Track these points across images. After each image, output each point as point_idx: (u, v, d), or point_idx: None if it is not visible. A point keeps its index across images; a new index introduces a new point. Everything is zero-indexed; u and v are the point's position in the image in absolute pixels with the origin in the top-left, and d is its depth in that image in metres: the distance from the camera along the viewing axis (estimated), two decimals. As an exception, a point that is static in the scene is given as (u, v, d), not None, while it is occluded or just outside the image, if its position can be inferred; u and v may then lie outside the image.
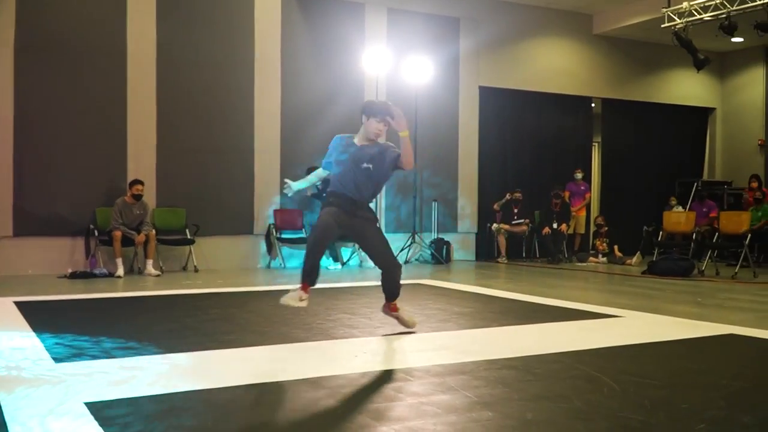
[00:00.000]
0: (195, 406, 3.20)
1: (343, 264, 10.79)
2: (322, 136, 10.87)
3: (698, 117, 15.08)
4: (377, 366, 3.98)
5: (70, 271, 9.00)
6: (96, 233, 9.39)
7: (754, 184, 11.89)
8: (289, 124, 10.77)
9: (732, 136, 14.89)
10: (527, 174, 13.18)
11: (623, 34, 13.53)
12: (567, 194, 12.73)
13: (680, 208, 12.68)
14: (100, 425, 2.87)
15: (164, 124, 9.99)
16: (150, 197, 9.80)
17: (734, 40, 12.75)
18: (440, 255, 11.33)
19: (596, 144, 14.78)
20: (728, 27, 10.73)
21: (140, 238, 9.28)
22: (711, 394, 3.43)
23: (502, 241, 12.02)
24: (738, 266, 9.86)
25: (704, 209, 12.15)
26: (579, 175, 12.99)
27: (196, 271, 9.81)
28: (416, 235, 11.34)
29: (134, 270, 9.60)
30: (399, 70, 11.32)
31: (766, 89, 14.15)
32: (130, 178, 9.58)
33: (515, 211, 12.21)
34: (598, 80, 13.71)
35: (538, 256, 12.55)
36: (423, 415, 3.08)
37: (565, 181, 13.00)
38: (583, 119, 13.88)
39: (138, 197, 9.40)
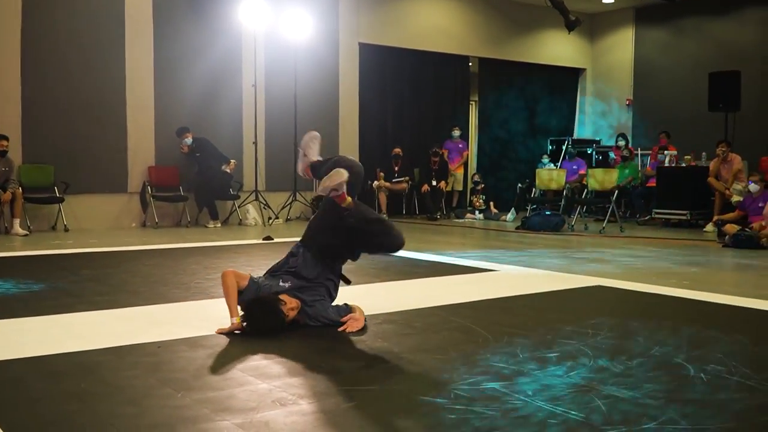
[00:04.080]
0: (67, 369, 3.09)
1: (222, 222, 10.61)
2: (198, 90, 10.65)
3: (569, 77, 15.59)
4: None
5: (-71, 231, 8.48)
6: (-43, 191, 8.88)
7: (621, 142, 12.43)
8: (162, 78, 10.41)
9: (601, 95, 15.48)
10: (407, 132, 13.32)
11: (500, -6, 13.76)
12: (445, 152, 12.93)
13: (552, 166, 13.13)
14: (-37, 392, 2.74)
15: (30, 76, 9.45)
16: (15, 153, 9.29)
17: (605, 1, 13.23)
18: (321, 212, 11.29)
19: (473, 102, 15.06)
20: (599, -12, 11.07)
21: (5, 196, 8.81)
22: (578, 343, 3.59)
23: (382, 198, 12.12)
24: (605, 221, 10.32)
25: (574, 166, 12.64)
26: (457, 133, 13.21)
27: (67, 230, 9.43)
28: (297, 193, 11.27)
29: (0, 229, 9.13)
30: (277, 24, 11.11)
31: (634, 50, 14.74)
32: (-7, 133, 9.06)
33: (395, 168, 12.31)
34: (474, 40, 13.91)
35: (417, 213, 12.75)
36: (303, 371, 3.09)
37: (443, 139, 13.20)
38: (460, 78, 14.10)
39: (2, 153, 8.91)
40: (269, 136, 11.33)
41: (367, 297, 4.72)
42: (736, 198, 9.71)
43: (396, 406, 2.68)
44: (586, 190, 11.26)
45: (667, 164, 11.35)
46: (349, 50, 12.27)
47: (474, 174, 13.57)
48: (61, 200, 9.51)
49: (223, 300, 3.80)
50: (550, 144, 14.53)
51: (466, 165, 13.69)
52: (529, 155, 14.26)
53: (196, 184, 10.47)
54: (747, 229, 8.31)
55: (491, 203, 12.80)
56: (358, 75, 12.43)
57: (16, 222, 8.89)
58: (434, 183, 12.33)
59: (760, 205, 8.83)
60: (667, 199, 10.84)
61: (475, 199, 12.94)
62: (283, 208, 11.08)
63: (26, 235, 8.84)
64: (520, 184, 12.60)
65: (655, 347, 3.57)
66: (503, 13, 14.13)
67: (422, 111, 13.52)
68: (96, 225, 9.93)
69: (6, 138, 8.94)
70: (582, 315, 4.45)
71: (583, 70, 15.61)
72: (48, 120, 9.60)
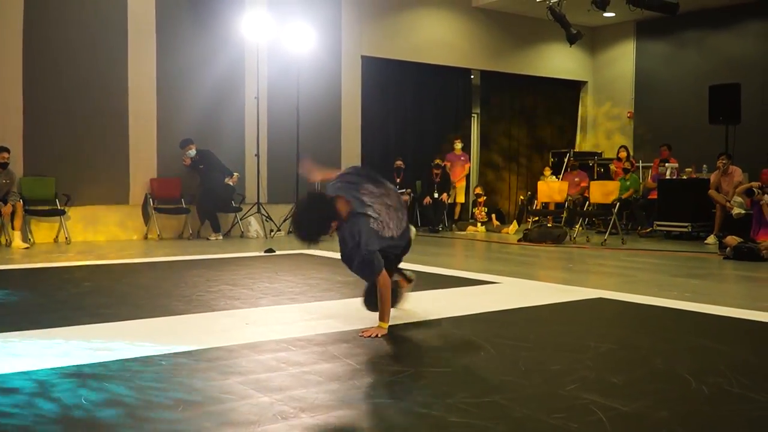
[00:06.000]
0: (64, 383, 3.08)
1: (225, 234, 10.61)
2: (201, 102, 10.67)
3: (571, 90, 15.62)
4: (259, 337, 3.95)
5: (-71, 244, 8.48)
6: (-42, 204, 8.88)
7: (623, 154, 12.44)
8: (165, 89, 10.44)
9: (602, 108, 15.49)
10: (409, 144, 13.34)
11: (501, 8, 13.79)
12: (447, 164, 12.95)
13: (553, 178, 13.14)
14: (-36, 405, 2.73)
15: (31, 87, 9.49)
16: (17, 165, 9.31)
17: (606, 14, 13.24)
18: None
19: (475, 115, 15.09)
20: (601, 2, 11.12)
21: (6, 209, 8.83)
22: (581, 356, 3.59)
23: (383, 210, 12.10)
24: (607, 233, 10.32)
25: (576, 179, 12.65)
26: (458, 146, 13.23)
27: (68, 243, 9.44)
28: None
29: (1, 243, 9.13)
30: (280, 37, 11.14)
31: (635, 63, 14.76)
32: (-6, 145, 9.08)
33: (397, 181, 12.32)
34: (476, 52, 13.94)
35: (419, 225, 12.74)
36: (305, 384, 3.08)
37: (445, 151, 13.22)
38: (462, 91, 14.12)
39: (4, 165, 8.93)
40: (272, 148, 11.35)
41: (368, 311, 4.72)
42: (737, 210, 9.71)
43: (397, 419, 2.67)
44: (587, 202, 11.26)
45: (668, 177, 11.35)
46: (351, 62, 12.30)
47: (476, 186, 13.58)
48: (62, 213, 9.52)
49: (226, 312, 3.81)
50: (552, 156, 14.54)
51: (468, 177, 13.70)
52: (530, 167, 14.26)
53: (199, 196, 10.49)
54: (748, 242, 8.30)
55: (493, 215, 12.80)
56: (361, 87, 12.46)
57: (17, 235, 8.89)
58: (436, 195, 12.34)
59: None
60: (669, 211, 10.84)
61: (477, 211, 12.94)
62: (285, 220, 11.08)
63: (27, 248, 8.84)
64: (521, 197, 12.60)
65: (656, 359, 3.56)
66: (505, 26, 14.17)
67: (424, 123, 13.54)
68: (98, 237, 9.94)
69: (7, 150, 8.96)
70: (584, 327, 4.44)
71: (585, 82, 15.63)
72: (49, 132, 9.62)
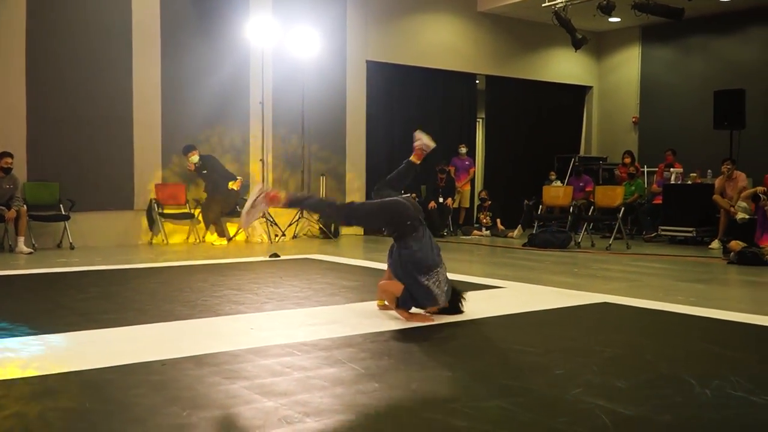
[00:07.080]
0: (71, 388, 3.08)
1: (230, 239, 10.62)
2: (205, 107, 10.68)
3: (576, 95, 15.61)
4: (264, 342, 3.95)
5: (-65, 249, 8.51)
6: (-37, 209, 8.90)
7: (627, 160, 12.42)
8: (170, 95, 10.45)
9: (607, 113, 15.50)
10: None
11: (506, 12, 13.79)
12: (452, 169, 12.94)
13: (559, 183, 13.12)
14: (-31, 410, 2.74)
15: (35, 93, 9.51)
16: (20, 170, 9.33)
17: (611, 20, 13.25)
18: (328, 230, 11.33)
19: (480, 120, 15.09)
20: (606, 7, 11.13)
21: (10, 214, 8.84)
22: (585, 360, 3.58)
23: (388, 215, 12.09)
24: (612, 238, 10.30)
25: (581, 184, 12.63)
26: (463, 150, 13.23)
27: (72, 248, 9.45)
28: (304, 210, 11.28)
29: (5, 248, 9.15)
30: (285, 42, 11.16)
31: (640, 68, 14.76)
32: (-2, 150, 9.10)
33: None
34: (482, 57, 13.95)
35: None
36: (310, 388, 3.08)
37: (450, 156, 13.21)
38: (467, 95, 14.12)
39: (7, 171, 8.94)
40: (276, 153, 11.37)
41: (373, 315, 4.73)
42: (741, 215, 9.68)
43: (402, 424, 2.67)
44: (592, 207, 11.25)
45: (673, 181, 11.33)
46: (356, 67, 12.31)
47: (481, 191, 13.57)
48: (66, 218, 9.53)
49: (230, 317, 3.81)
50: (557, 161, 14.53)
51: (472, 182, 13.69)
52: (535, 172, 14.25)
53: (203, 201, 10.50)
54: (752, 247, 8.28)
55: (498, 220, 12.79)
56: (366, 92, 12.47)
57: (21, 240, 8.91)
58: (441, 200, 12.34)
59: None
60: (673, 216, 10.83)
61: (482, 215, 12.93)
62: (289, 225, 11.09)
63: (31, 253, 8.84)
64: (526, 201, 12.59)
65: (661, 364, 3.55)
66: (510, 31, 14.18)
67: (429, 128, 13.47)
68: (102, 243, 9.95)
69: (10, 155, 8.98)
70: (588, 332, 4.43)
71: (590, 87, 15.63)
72: (53, 137, 9.64)
